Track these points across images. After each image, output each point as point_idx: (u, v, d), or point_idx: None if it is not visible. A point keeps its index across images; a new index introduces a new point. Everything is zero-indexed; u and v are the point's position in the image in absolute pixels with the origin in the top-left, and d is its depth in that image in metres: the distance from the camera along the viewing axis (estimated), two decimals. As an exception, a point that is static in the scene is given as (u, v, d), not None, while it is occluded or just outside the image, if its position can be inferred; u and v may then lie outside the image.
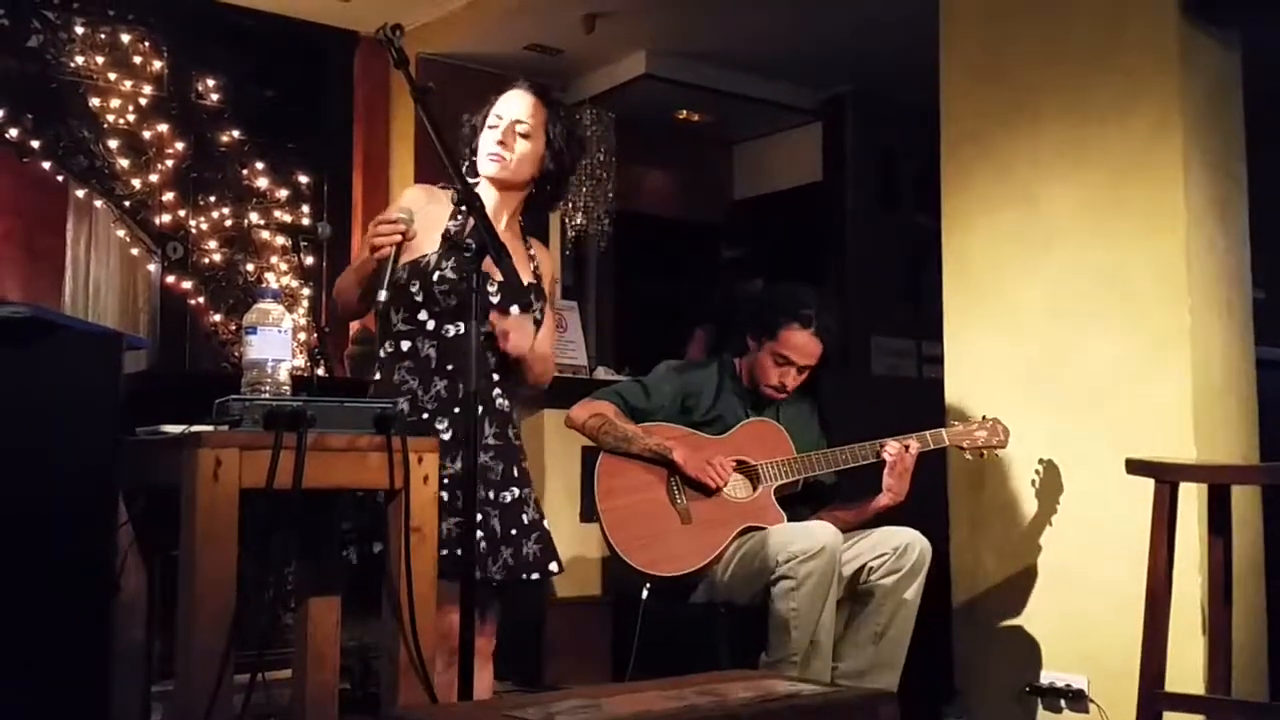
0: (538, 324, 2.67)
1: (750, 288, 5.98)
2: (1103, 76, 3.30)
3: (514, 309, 2.61)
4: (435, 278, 2.55)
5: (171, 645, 2.08)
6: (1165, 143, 3.17)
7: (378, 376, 2.65)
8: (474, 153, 2.71)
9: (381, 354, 2.64)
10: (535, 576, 2.60)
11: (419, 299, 2.57)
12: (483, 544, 2.49)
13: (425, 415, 2.57)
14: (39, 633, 2.03)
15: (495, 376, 2.64)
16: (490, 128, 2.67)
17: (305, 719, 2.40)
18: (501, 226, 2.65)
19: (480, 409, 2.54)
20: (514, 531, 2.58)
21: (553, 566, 2.64)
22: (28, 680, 2.01)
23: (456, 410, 2.55)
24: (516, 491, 2.62)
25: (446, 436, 2.53)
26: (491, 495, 2.57)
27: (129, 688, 2.41)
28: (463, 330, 2.53)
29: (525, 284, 2.62)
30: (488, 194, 2.65)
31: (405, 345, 2.60)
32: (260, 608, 2.62)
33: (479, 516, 2.45)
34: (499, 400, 2.66)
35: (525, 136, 2.66)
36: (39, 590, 2.03)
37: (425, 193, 2.70)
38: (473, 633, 2.24)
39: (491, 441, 2.61)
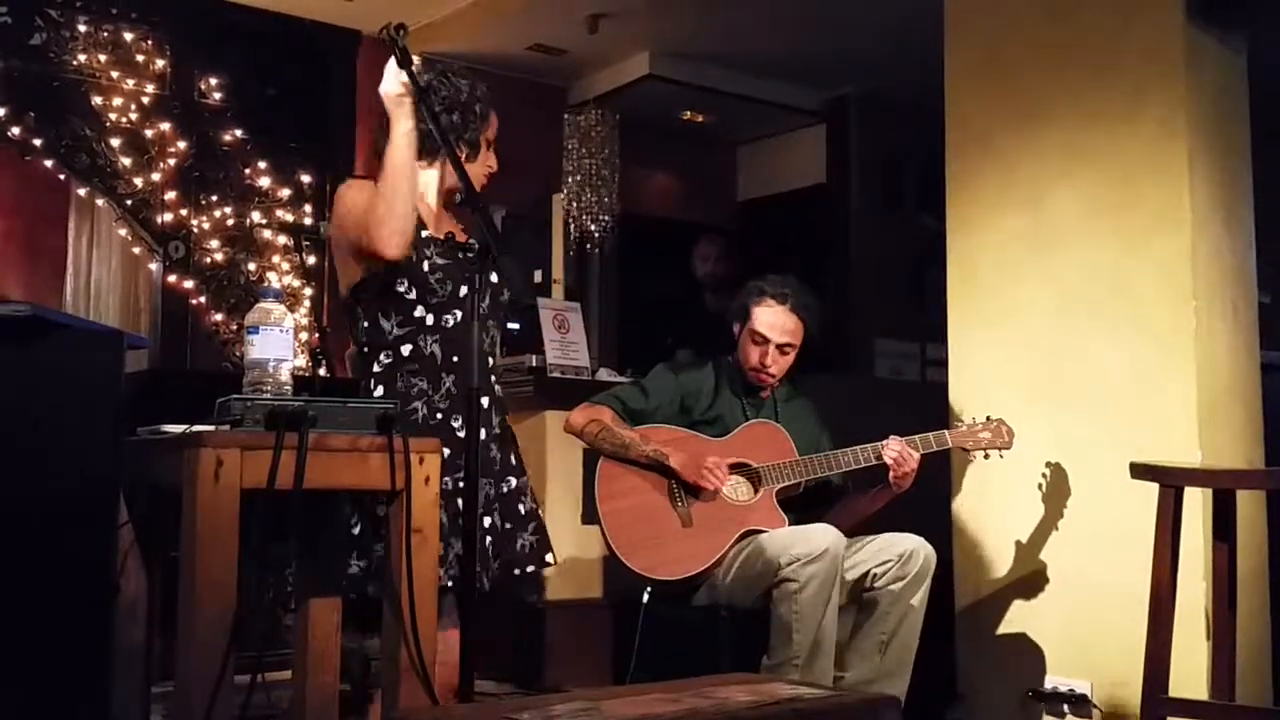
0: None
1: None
2: (1108, 79, 3.29)
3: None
4: (426, 267, 2.52)
5: (172, 646, 2.07)
6: (1171, 145, 3.16)
7: (379, 391, 2.55)
8: (468, 146, 2.64)
9: (377, 367, 2.57)
10: (531, 569, 2.60)
11: (411, 296, 2.53)
12: (487, 545, 2.48)
13: (440, 415, 2.53)
14: (39, 633, 2.02)
15: (491, 362, 2.62)
16: (489, 149, 2.69)
17: (305, 720, 2.39)
18: (438, 206, 2.68)
19: (486, 400, 2.54)
20: (510, 525, 2.57)
21: (549, 558, 2.64)
22: (28, 680, 2.01)
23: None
24: (514, 481, 2.63)
25: (463, 434, 2.43)
26: (490, 490, 2.55)
27: (129, 688, 2.40)
28: (461, 318, 2.53)
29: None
30: (432, 180, 2.64)
31: (406, 349, 2.55)
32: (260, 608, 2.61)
33: (486, 521, 2.46)
34: (498, 387, 2.67)
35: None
36: (39, 590, 2.02)
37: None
38: (469, 634, 2.23)
39: (497, 431, 2.61)
